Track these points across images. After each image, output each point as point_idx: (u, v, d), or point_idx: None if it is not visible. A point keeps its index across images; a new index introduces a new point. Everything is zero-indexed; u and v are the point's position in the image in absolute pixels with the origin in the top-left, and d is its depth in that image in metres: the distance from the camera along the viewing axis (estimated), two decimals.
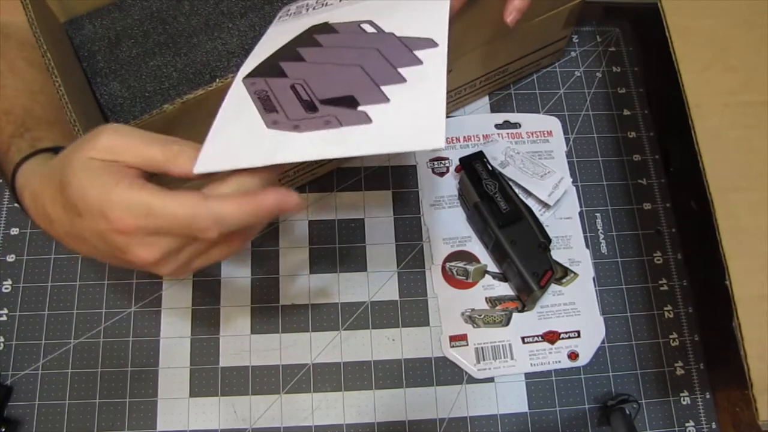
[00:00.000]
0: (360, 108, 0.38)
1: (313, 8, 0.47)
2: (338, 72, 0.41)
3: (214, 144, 0.39)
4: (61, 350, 0.62)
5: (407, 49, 0.41)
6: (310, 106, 0.39)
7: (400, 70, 0.40)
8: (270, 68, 0.43)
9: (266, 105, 0.40)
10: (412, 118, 0.37)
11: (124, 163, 0.37)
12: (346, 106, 0.39)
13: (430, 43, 0.41)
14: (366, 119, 0.38)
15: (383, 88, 0.39)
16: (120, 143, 0.37)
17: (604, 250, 0.69)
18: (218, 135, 0.40)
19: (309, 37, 0.44)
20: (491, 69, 0.69)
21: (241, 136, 0.39)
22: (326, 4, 0.47)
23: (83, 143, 0.38)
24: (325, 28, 0.45)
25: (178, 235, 0.37)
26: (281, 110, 0.40)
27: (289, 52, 0.43)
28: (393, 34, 0.42)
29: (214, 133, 0.40)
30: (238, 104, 0.41)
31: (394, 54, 0.41)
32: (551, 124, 0.73)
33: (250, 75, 0.43)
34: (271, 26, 0.49)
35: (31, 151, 0.45)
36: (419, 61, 0.40)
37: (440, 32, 0.41)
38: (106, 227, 0.37)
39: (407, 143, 0.37)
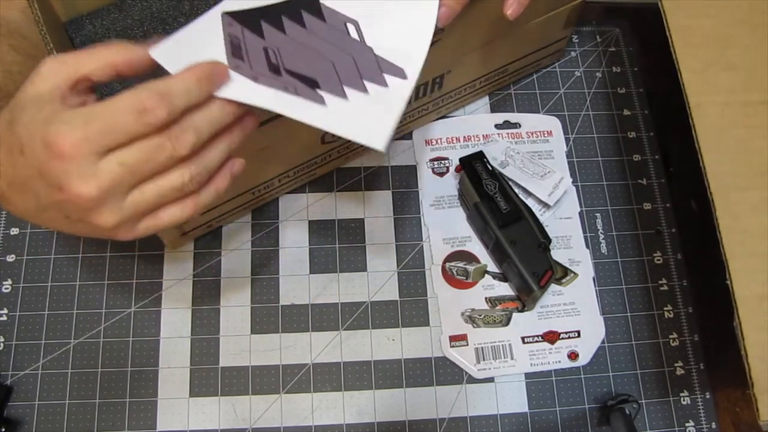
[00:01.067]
0: (318, 91, 0.41)
1: None
2: (311, 57, 0.42)
3: (175, 42, 0.40)
4: (61, 350, 0.62)
5: (379, 69, 0.43)
6: (274, 69, 0.41)
7: (365, 82, 0.42)
8: (250, 21, 0.43)
9: (235, 51, 0.41)
10: (362, 118, 0.41)
11: (71, 77, 0.38)
12: (307, 84, 0.41)
13: (400, 73, 0.43)
14: (321, 100, 0.41)
15: (345, 87, 0.42)
16: (60, 62, 0.38)
17: (604, 250, 0.69)
18: (182, 42, 0.40)
19: (296, 11, 0.44)
20: (491, 69, 0.69)
21: (204, 57, 0.40)
22: None
23: (27, 80, 0.38)
24: (314, 6, 0.44)
25: (123, 136, 0.36)
26: (247, 60, 0.41)
27: (274, 15, 0.44)
28: (372, 49, 0.44)
29: (178, 37, 0.41)
30: (208, 32, 0.42)
31: (366, 67, 0.43)
32: (551, 124, 0.73)
33: (230, 14, 0.43)
34: None
35: None
36: (385, 84, 0.43)
37: (414, 64, 0.44)
38: (45, 157, 0.36)
39: (351, 132, 0.40)
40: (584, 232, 0.69)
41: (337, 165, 0.69)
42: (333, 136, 0.61)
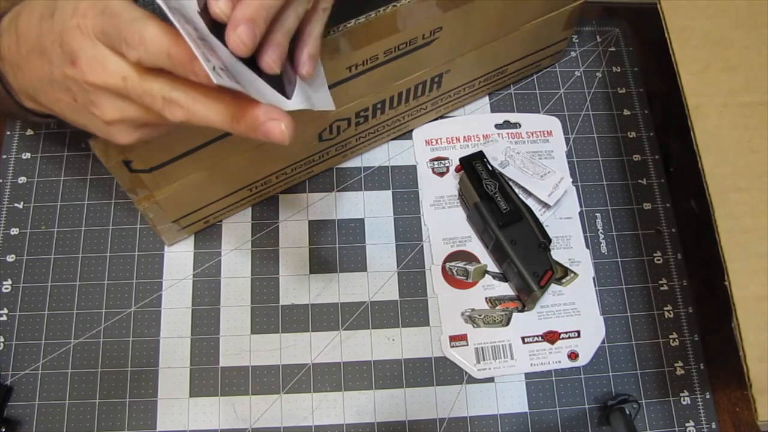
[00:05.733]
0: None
1: None
2: None
3: None
4: (61, 350, 0.62)
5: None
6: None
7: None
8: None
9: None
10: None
11: None
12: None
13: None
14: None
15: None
16: None
17: (604, 250, 0.69)
18: None
19: None
20: (490, 69, 0.69)
21: None
22: None
23: None
24: None
25: (114, 42, 0.36)
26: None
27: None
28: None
29: None
30: None
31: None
32: (551, 124, 0.73)
33: None
34: None
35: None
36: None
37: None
38: (70, 21, 0.36)
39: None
40: (584, 232, 0.69)
41: (335, 163, 0.69)
42: (330, 133, 0.62)
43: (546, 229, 0.64)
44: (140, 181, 0.53)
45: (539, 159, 0.71)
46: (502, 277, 0.66)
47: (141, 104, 0.38)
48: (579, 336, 0.65)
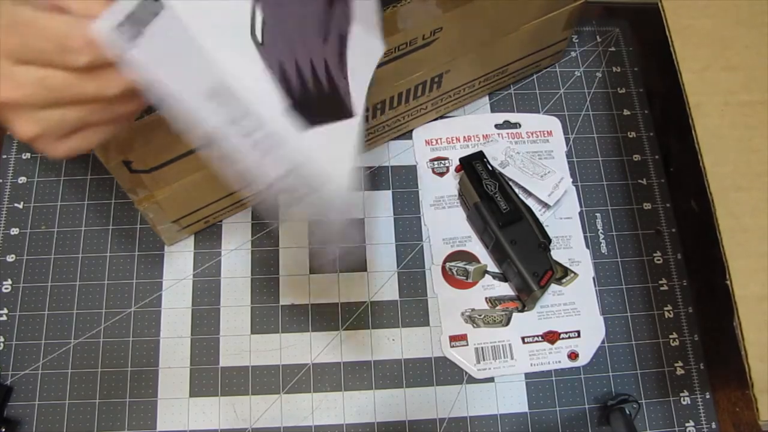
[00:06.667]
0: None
1: None
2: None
3: None
4: (61, 350, 0.62)
5: None
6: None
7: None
8: None
9: None
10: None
11: None
12: None
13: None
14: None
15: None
16: None
17: (604, 250, 0.69)
18: None
19: None
20: (490, 70, 0.69)
21: None
22: None
23: None
24: None
25: (45, 57, 0.33)
26: None
27: None
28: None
29: None
30: None
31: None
32: (551, 124, 0.73)
33: None
34: None
35: None
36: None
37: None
38: None
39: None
40: (584, 232, 0.69)
41: None
42: None
43: (546, 229, 0.64)
44: (140, 181, 0.53)
45: (539, 159, 0.71)
46: (502, 277, 0.66)
47: (61, 101, 0.34)
48: (579, 336, 0.65)
